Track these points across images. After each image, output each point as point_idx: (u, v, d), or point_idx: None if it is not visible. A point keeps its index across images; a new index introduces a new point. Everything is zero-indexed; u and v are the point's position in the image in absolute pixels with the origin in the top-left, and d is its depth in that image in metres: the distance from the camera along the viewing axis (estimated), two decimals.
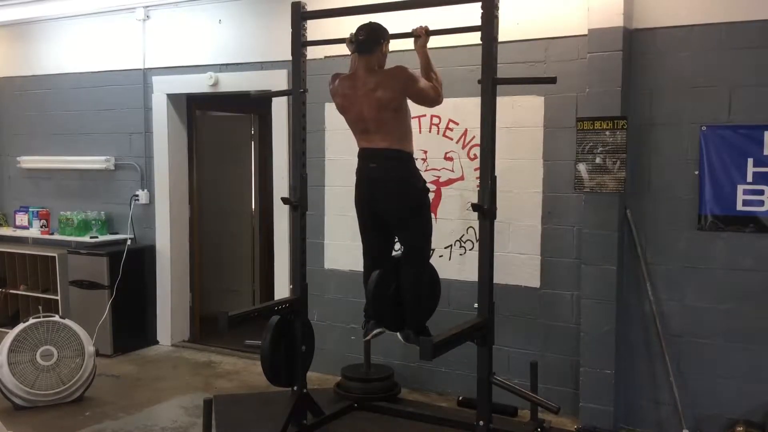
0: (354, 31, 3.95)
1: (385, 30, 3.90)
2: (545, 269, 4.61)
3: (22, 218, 6.81)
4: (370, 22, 3.91)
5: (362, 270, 4.17)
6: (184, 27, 5.98)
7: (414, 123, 4.80)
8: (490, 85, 3.51)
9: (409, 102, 3.92)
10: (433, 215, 4.86)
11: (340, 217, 5.19)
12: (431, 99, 3.90)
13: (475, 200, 3.57)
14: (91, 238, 6.21)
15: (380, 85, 3.78)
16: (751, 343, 4.07)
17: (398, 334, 4.04)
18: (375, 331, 4.04)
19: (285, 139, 5.49)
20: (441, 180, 4.92)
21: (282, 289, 5.62)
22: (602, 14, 4.18)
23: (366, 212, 4.04)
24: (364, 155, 3.97)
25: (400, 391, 4.90)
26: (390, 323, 4.04)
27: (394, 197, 3.90)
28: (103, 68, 6.41)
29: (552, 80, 3.69)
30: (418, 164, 4.88)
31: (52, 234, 6.55)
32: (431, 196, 4.88)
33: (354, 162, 4.06)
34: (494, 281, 3.66)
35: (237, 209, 7.24)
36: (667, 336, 4.26)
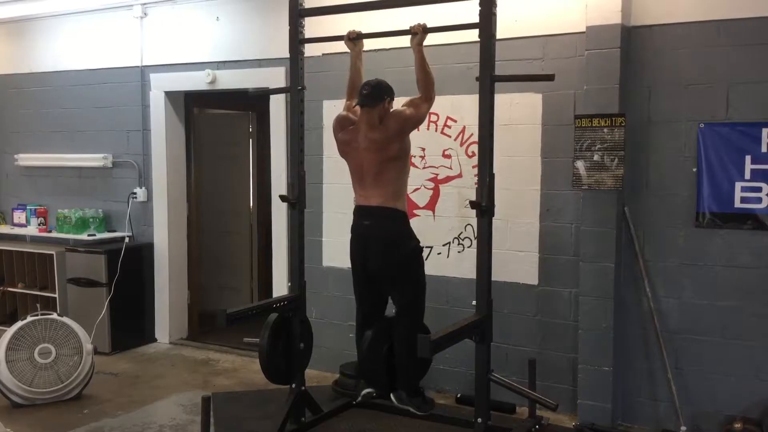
0: (352, 28, 3.96)
1: (390, 89, 3.92)
2: (543, 266, 4.61)
3: (19, 216, 6.80)
4: (378, 80, 3.91)
5: None
6: (182, 24, 5.97)
7: None
8: (488, 82, 3.51)
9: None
10: (431, 213, 4.89)
11: (338, 215, 5.18)
12: (428, 108, 3.90)
13: (473, 197, 3.58)
14: (88, 235, 6.20)
15: (380, 141, 3.82)
16: (749, 339, 4.08)
17: (391, 395, 4.04)
18: (364, 392, 4.07)
19: (283, 136, 5.49)
20: (439, 177, 4.92)
21: (280, 286, 5.62)
22: (600, 11, 4.18)
23: (359, 268, 4.04)
24: (359, 212, 3.99)
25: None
26: (383, 385, 4.03)
27: (385, 256, 3.89)
28: (100, 66, 6.39)
29: (550, 77, 3.69)
30: (417, 161, 4.90)
31: (50, 232, 6.55)
32: (430, 194, 4.91)
33: None
34: (492, 278, 3.67)
35: (235, 207, 7.23)
36: (665, 333, 4.26)
